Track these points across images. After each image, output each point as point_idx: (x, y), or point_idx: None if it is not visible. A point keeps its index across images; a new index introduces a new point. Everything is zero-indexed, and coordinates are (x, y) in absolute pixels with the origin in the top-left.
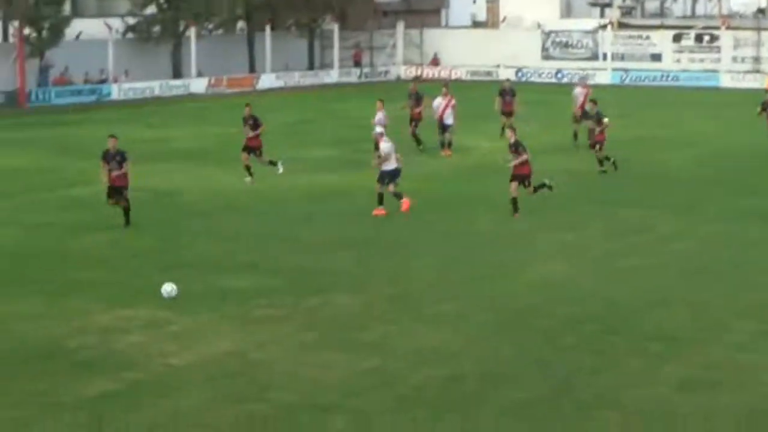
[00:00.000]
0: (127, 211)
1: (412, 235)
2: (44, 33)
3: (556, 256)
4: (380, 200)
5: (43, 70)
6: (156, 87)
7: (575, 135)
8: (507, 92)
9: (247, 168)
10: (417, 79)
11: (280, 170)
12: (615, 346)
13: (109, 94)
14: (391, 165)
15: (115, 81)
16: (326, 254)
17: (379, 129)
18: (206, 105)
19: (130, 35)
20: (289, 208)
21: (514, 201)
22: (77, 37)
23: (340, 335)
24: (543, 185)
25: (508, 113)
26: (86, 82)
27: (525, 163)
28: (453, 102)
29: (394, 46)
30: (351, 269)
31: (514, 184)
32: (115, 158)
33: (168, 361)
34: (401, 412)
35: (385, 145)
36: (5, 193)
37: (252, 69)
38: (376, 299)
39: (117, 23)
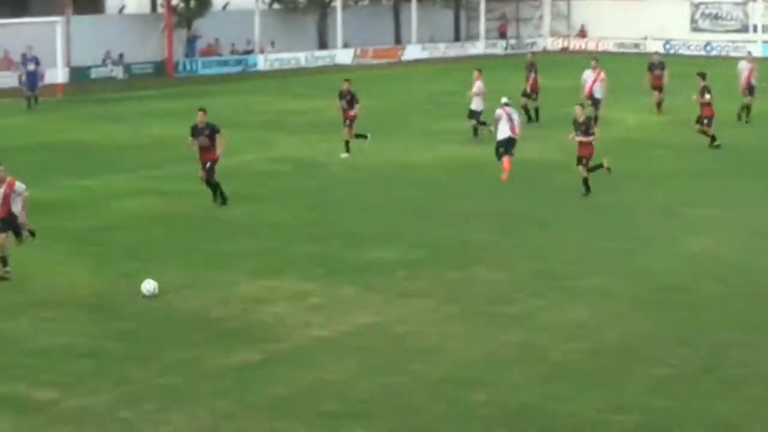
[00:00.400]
0: (215, 187)
1: (555, 208)
2: (192, 3)
3: (701, 231)
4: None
5: (191, 41)
6: (302, 58)
7: (744, 109)
8: (656, 66)
9: (346, 143)
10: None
11: (345, 156)
12: (762, 323)
13: (255, 64)
14: (503, 134)
15: (262, 51)
16: (468, 227)
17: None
18: (352, 76)
19: (276, 5)
20: (431, 180)
21: (592, 170)
22: (224, 7)
23: (484, 309)
24: (600, 166)
25: (658, 87)
26: (233, 52)
27: (589, 144)
28: (602, 76)
29: (540, 17)
30: (494, 242)
31: (581, 167)
32: (203, 132)
33: (310, 332)
34: (544, 386)
35: (497, 112)
36: (151, 163)
37: (397, 40)
38: (519, 273)
39: None
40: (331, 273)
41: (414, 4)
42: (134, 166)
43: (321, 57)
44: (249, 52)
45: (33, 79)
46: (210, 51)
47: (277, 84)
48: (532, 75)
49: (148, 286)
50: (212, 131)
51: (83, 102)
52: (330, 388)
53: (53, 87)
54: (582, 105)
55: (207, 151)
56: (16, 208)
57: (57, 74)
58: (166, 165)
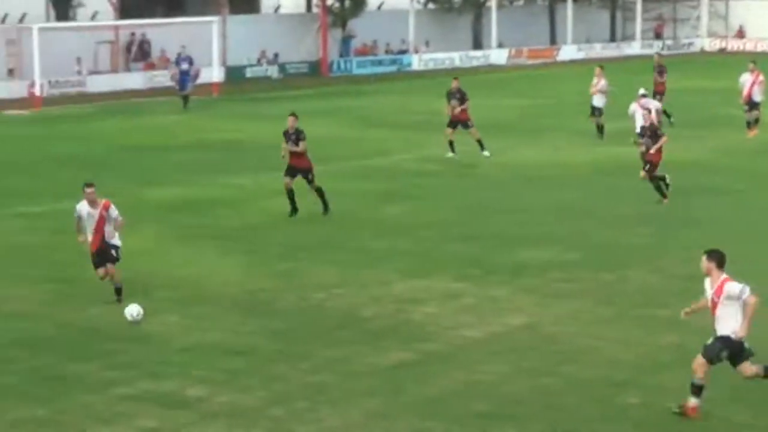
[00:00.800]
0: (321, 194)
1: (706, 209)
2: (347, 3)
3: None
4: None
5: (345, 41)
6: (456, 58)
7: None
8: None
9: (450, 143)
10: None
11: (487, 154)
12: None
13: (409, 64)
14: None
15: (416, 51)
16: (623, 229)
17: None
18: (506, 76)
19: (431, 5)
20: (584, 181)
21: (658, 186)
22: (379, 7)
23: (638, 311)
24: (663, 179)
25: None
26: (387, 52)
27: (658, 151)
28: (761, 78)
29: (698, 18)
30: (648, 245)
31: (643, 173)
32: (291, 137)
33: (462, 332)
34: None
35: (631, 107)
36: None
37: (552, 40)
38: (672, 275)
39: None
40: (484, 274)
41: (570, 4)
42: None
43: (475, 57)
44: (403, 52)
45: (185, 78)
46: (365, 51)
47: (430, 84)
48: (662, 77)
49: (132, 311)
50: (298, 137)
51: (238, 101)
52: (481, 388)
53: (209, 86)
54: (648, 110)
55: (297, 157)
56: (113, 234)
57: (213, 73)
58: (320, 164)
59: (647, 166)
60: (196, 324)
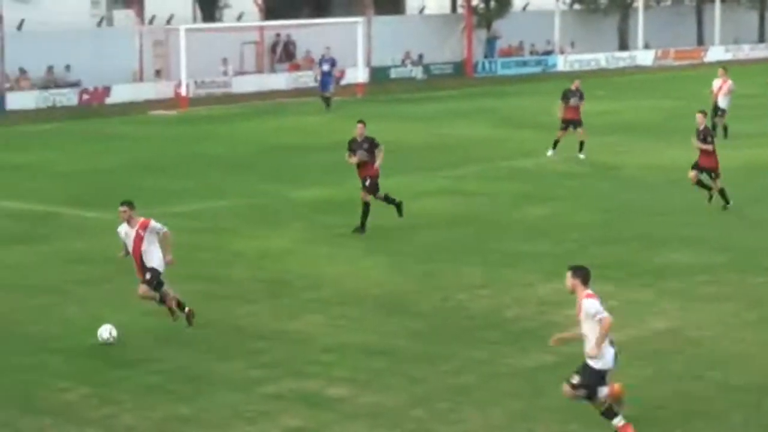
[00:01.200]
0: (394, 203)
1: None
2: (492, 4)
3: None
4: None
5: (490, 41)
6: (602, 58)
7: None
8: None
9: (556, 142)
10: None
11: (582, 157)
12: None
13: (554, 65)
14: None
15: (561, 52)
16: None
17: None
18: (652, 77)
19: (576, 6)
20: (731, 183)
21: (700, 183)
22: (524, 8)
23: None
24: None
25: None
26: (532, 53)
27: (710, 153)
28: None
29: None
30: None
31: (694, 172)
32: (362, 146)
33: None
34: None
35: None
36: (449, 163)
37: (700, 41)
38: None
39: None
40: (627, 276)
41: (717, 5)
42: (432, 166)
43: (621, 58)
44: (548, 53)
45: (327, 80)
46: (510, 52)
47: None
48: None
49: (103, 333)
50: (371, 145)
51: (382, 102)
52: (627, 392)
53: (353, 87)
54: (704, 112)
55: (365, 167)
56: (152, 254)
57: (357, 74)
58: (464, 165)
59: (711, 174)
60: (339, 324)
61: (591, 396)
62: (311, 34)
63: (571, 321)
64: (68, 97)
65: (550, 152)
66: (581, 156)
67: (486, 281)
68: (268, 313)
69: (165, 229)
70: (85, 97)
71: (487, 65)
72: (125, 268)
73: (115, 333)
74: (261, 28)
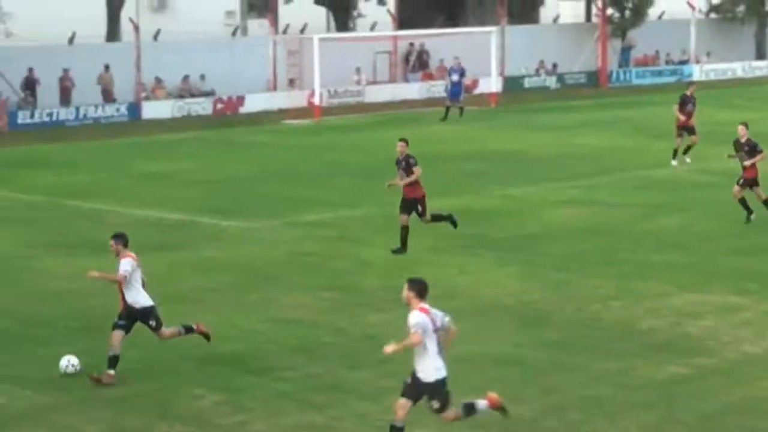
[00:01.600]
0: (443, 219)
1: None
2: (627, 13)
3: None
4: None
5: (625, 51)
6: (738, 68)
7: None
8: None
9: (675, 151)
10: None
11: (688, 161)
12: None
13: (690, 75)
14: None
15: (697, 62)
16: None
17: None
18: None
19: (713, 15)
20: None
21: (742, 202)
22: (660, 17)
23: None
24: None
25: None
26: (667, 62)
27: (752, 166)
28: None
29: None
30: None
31: (737, 188)
32: (401, 165)
33: (741, 348)
34: None
35: None
36: (582, 173)
37: None
38: None
39: (700, 3)
40: (762, 288)
41: None
42: (564, 175)
43: (758, 68)
44: (684, 63)
45: (456, 90)
46: (645, 61)
47: (713, 95)
48: None
49: (62, 363)
50: (408, 163)
51: (516, 112)
52: (762, 405)
53: (487, 96)
54: (746, 124)
55: (410, 187)
56: (134, 291)
57: (491, 84)
58: (596, 175)
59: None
60: (471, 333)
61: (446, 406)
62: (445, 43)
63: (706, 333)
64: (203, 107)
65: (674, 162)
66: (687, 160)
67: (619, 292)
68: (400, 323)
69: (120, 274)
70: (220, 106)
71: (621, 75)
72: (260, 276)
73: (75, 361)
74: (394, 38)
